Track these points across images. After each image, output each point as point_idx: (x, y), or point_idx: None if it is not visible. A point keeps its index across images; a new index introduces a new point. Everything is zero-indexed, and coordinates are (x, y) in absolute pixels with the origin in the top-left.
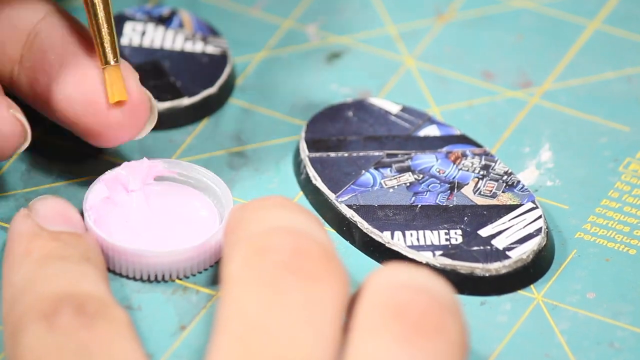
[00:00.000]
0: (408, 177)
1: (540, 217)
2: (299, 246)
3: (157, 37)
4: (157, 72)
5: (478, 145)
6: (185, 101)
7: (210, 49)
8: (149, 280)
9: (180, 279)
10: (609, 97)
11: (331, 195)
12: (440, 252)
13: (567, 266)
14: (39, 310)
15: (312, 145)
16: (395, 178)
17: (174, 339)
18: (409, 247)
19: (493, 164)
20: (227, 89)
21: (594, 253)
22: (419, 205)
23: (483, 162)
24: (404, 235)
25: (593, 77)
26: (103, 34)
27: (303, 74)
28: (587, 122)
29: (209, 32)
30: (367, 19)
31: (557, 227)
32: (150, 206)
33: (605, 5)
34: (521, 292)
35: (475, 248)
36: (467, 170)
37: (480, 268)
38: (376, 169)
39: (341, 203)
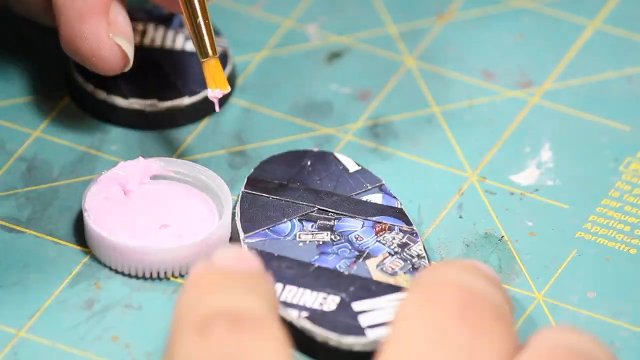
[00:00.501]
0: (324, 236)
1: None
2: (471, 301)
3: (157, 37)
4: (157, 71)
5: (409, 223)
6: (186, 101)
7: None
8: (151, 278)
9: (183, 276)
10: (609, 97)
11: (241, 234)
12: (307, 313)
13: (567, 266)
14: (193, 322)
15: (253, 183)
16: (312, 234)
17: None
18: (280, 301)
19: (412, 244)
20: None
21: (595, 253)
22: (316, 265)
23: (404, 240)
24: (283, 289)
25: (593, 77)
26: (202, 28)
27: (303, 74)
28: (587, 122)
29: None
30: (367, 19)
31: (558, 226)
32: (148, 205)
33: (605, 5)
34: (521, 291)
35: (340, 319)
36: (384, 244)
37: (334, 340)
38: (300, 220)
39: (246, 244)
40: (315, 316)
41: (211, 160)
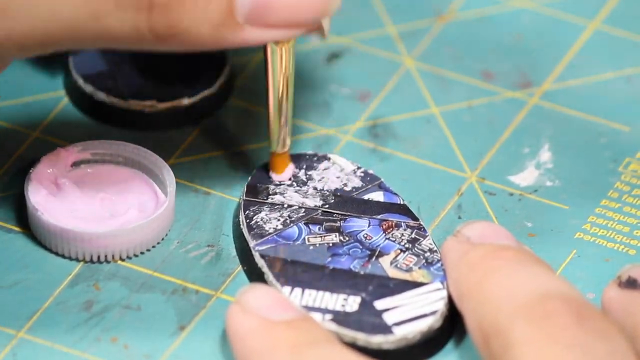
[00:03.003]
0: (333, 238)
1: (442, 299)
2: (579, 308)
3: None
4: (156, 72)
5: (415, 219)
6: (185, 101)
7: None
8: (98, 261)
9: (129, 258)
10: (608, 97)
11: (251, 243)
12: (331, 316)
13: (567, 266)
14: None
15: (252, 190)
16: (321, 236)
17: (173, 339)
18: (303, 305)
19: (421, 239)
20: (227, 89)
21: (594, 253)
22: (331, 267)
23: (413, 236)
24: (302, 294)
25: (593, 77)
26: (278, 121)
27: (303, 74)
28: (586, 122)
29: None
30: (367, 19)
31: (557, 227)
32: (87, 192)
33: (605, 5)
34: None
35: (365, 318)
36: (394, 241)
37: (362, 339)
38: (306, 224)
39: (257, 251)
40: (340, 317)
41: (210, 161)
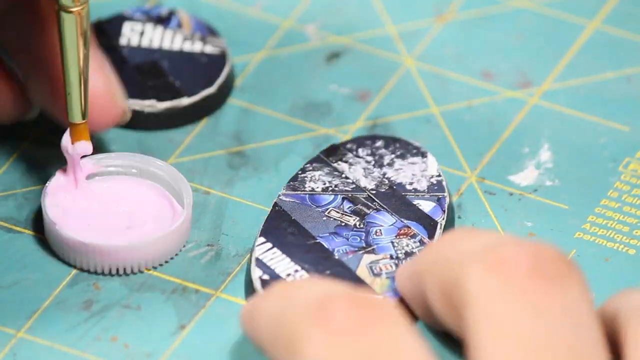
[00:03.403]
0: (351, 220)
1: None
2: (536, 252)
3: (155, 37)
4: (156, 72)
5: (432, 237)
6: (185, 101)
7: (209, 49)
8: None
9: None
10: (608, 97)
11: (282, 190)
12: (267, 277)
13: None
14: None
15: (333, 150)
16: (342, 214)
17: (174, 338)
18: (255, 258)
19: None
20: (227, 89)
21: (594, 253)
22: (316, 241)
23: (414, 250)
24: (268, 250)
25: (593, 77)
26: (79, 91)
27: (303, 74)
28: (586, 122)
29: (207, 32)
30: (367, 19)
31: (557, 227)
32: (103, 204)
33: (605, 5)
34: None
35: None
36: (394, 246)
37: None
38: (343, 198)
39: (280, 197)
40: (271, 282)
41: (210, 161)
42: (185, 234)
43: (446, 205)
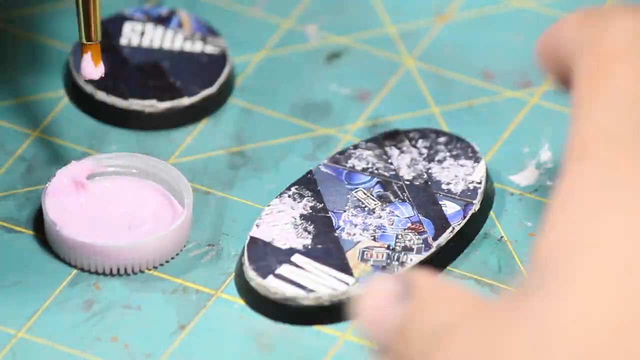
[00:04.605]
0: (373, 204)
1: (333, 290)
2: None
3: (156, 37)
4: (156, 72)
5: (436, 238)
6: (185, 101)
7: (210, 49)
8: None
9: (155, 268)
10: None
11: (324, 161)
12: (256, 236)
13: None
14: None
15: (392, 134)
16: (368, 197)
17: (173, 338)
18: (260, 217)
19: (414, 253)
20: (227, 89)
21: None
22: (325, 214)
23: (414, 246)
24: (275, 211)
25: None
26: (95, 10)
27: (303, 74)
28: None
29: (208, 32)
30: (367, 19)
31: None
32: (103, 204)
33: (605, 5)
34: None
35: (269, 256)
36: (397, 239)
37: (246, 267)
38: (378, 182)
39: (319, 166)
40: (259, 244)
41: (210, 161)
42: (186, 234)
43: (470, 213)
